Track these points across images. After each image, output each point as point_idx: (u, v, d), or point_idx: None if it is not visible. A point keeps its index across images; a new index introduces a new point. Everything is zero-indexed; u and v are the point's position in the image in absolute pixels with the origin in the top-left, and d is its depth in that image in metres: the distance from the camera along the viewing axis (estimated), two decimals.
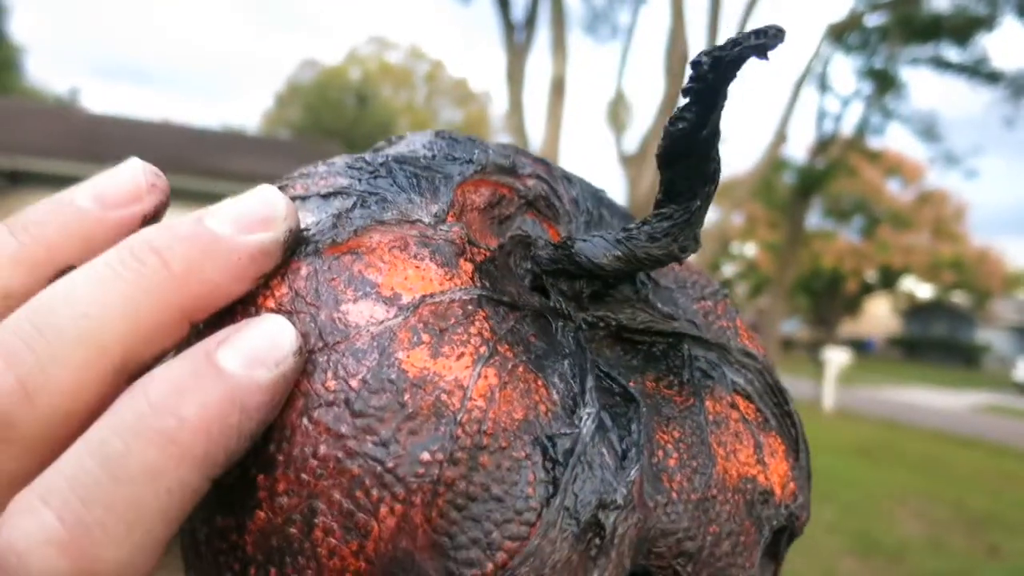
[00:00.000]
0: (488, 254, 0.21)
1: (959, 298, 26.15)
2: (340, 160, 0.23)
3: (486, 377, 0.17)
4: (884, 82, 10.59)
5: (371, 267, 0.19)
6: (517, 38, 7.68)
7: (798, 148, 24.18)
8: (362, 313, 0.18)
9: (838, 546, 4.40)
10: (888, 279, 25.47)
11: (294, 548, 0.17)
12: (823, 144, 10.85)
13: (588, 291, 0.21)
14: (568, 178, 0.25)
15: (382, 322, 0.18)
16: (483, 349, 0.18)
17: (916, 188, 24.20)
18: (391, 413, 0.17)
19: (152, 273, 0.17)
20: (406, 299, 0.18)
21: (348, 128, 20.23)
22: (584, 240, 0.21)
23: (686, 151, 0.19)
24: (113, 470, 0.15)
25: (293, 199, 0.21)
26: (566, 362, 0.19)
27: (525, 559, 0.16)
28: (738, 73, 0.18)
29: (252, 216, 0.19)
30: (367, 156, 0.23)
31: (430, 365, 0.17)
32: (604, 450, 0.18)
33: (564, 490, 0.17)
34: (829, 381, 11.05)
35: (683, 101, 0.19)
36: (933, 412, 12.02)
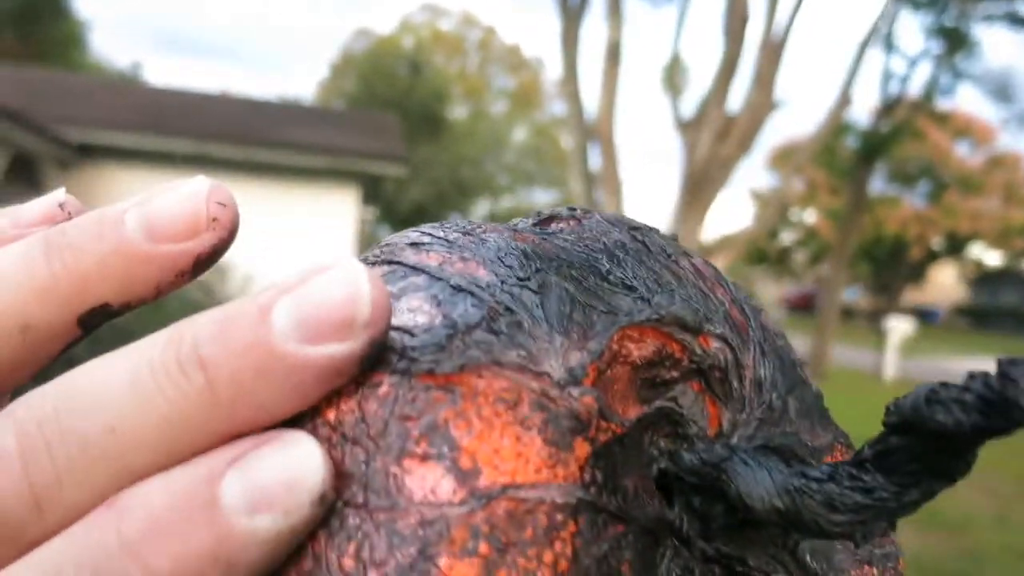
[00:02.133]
0: (618, 433, 0.16)
1: None
2: (496, 236, 0.18)
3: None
4: (954, 40, 10.15)
5: (462, 418, 0.15)
6: (572, 2, 7.57)
7: (862, 111, 23.43)
8: (424, 481, 0.14)
9: (900, 519, 4.34)
10: (955, 246, 24.62)
11: None
12: (888, 107, 10.48)
13: (724, 521, 0.17)
14: (764, 348, 0.20)
15: (441, 505, 0.14)
16: (543, 561, 0.14)
17: (986, 151, 23.24)
18: None
19: (197, 395, 0.14)
20: (484, 483, 0.14)
21: (402, 97, 20.26)
22: (746, 463, 0.16)
23: (940, 438, 0.15)
24: None
25: (412, 269, 0.17)
26: None
27: None
28: None
29: (327, 317, 0.14)
30: (530, 243, 0.18)
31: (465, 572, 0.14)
32: None
33: None
34: (891, 350, 10.80)
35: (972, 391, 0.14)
36: None
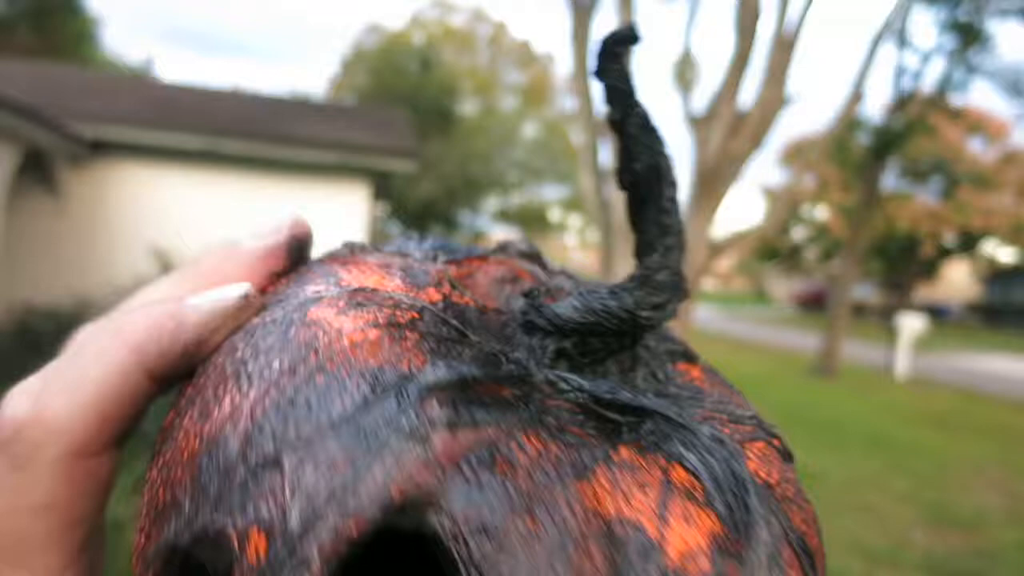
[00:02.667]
0: (471, 302, 0.22)
1: None
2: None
3: (367, 332, 0.19)
4: (968, 35, 10.06)
5: (347, 269, 0.22)
6: None
7: (875, 107, 23.26)
8: (310, 287, 0.22)
9: (911, 516, 4.32)
10: (967, 243, 24.45)
11: (172, 432, 0.20)
12: (901, 102, 10.40)
13: (552, 347, 0.21)
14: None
15: (318, 291, 0.21)
16: (384, 317, 0.20)
17: (1000, 147, 23.05)
18: (280, 327, 0.20)
19: (188, 275, 0.24)
20: (352, 286, 0.21)
21: (412, 92, 20.26)
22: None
23: (634, 186, 0.21)
24: (77, 350, 0.21)
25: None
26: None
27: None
28: (616, 66, 0.21)
29: (264, 228, 0.25)
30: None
31: (328, 316, 0.20)
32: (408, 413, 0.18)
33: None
34: (903, 348, 10.74)
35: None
36: (1014, 382, 11.58)
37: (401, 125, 8.10)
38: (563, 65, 30.58)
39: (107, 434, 0.21)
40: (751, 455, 0.21)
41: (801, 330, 18.45)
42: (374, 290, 0.21)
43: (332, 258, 0.24)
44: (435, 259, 0.24)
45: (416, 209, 22.16)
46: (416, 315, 0.20)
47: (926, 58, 10.24)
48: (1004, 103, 45.08)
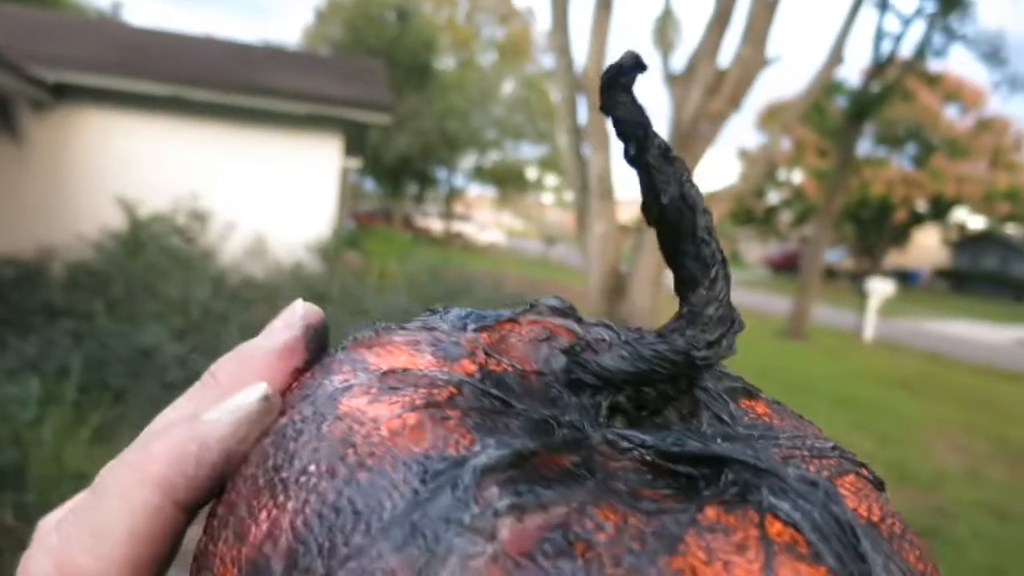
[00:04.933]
0: (510, 368, 0.21)
1: (1012, 230, 25.38)
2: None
3: (405, 418, 0.18)
4: (949, 0, 10.04)
5: (373, 352, 0.21)
6: None
7: (853, 71, 23.26)
8: (337, 377, 0.20)
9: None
10: (939, 209, 24.73)
11: (206, 560, 0.19)
12: (879, 66, 10.39)
13: (605, 403, 0.20)
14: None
15: (346, 380, 0.20)
16: (420, 398, 0.18)
17: (975, 114, 23.22)
18: (311, 425, 0.18)
19: (206, 388, 0.22)
20: (376, 368, 0.20)
21: (389, 45, 19.90)
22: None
23: (664, 220, 0.20)
24: (96, 492, 0.19)
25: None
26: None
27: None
28: (627, 100, 0.20)
29: (277, 324, 0.23)
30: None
31: (361, 405, 0.18)
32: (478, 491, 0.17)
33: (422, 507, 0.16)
34: (871, 312, 10.89)
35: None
36: (977, 345, 11.82)
37: (376, 77, 7.95)
38: (543, 20, 30.16)
39: None
40: (845, 492, 0.19)
41: (774, 293, 18.65)
42: (405, 370, 0.20)
43: (356, 343, 0.22)
44: (464, 328, 0.22)
45: (391, 165, 21.92)
46: (454, 390, 0.19)
47: (906, 22, 10.21)
48: (981, 71, 45.31)
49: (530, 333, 0.22)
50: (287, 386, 0.22)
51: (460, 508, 0.15)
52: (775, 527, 0.17)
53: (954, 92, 22.12)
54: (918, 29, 10.62)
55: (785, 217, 27.99)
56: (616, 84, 0.20)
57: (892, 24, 16.12)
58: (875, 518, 0.19)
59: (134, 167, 6.14)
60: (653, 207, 0.20)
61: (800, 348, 9.35)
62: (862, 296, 11.27)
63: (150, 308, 3.75)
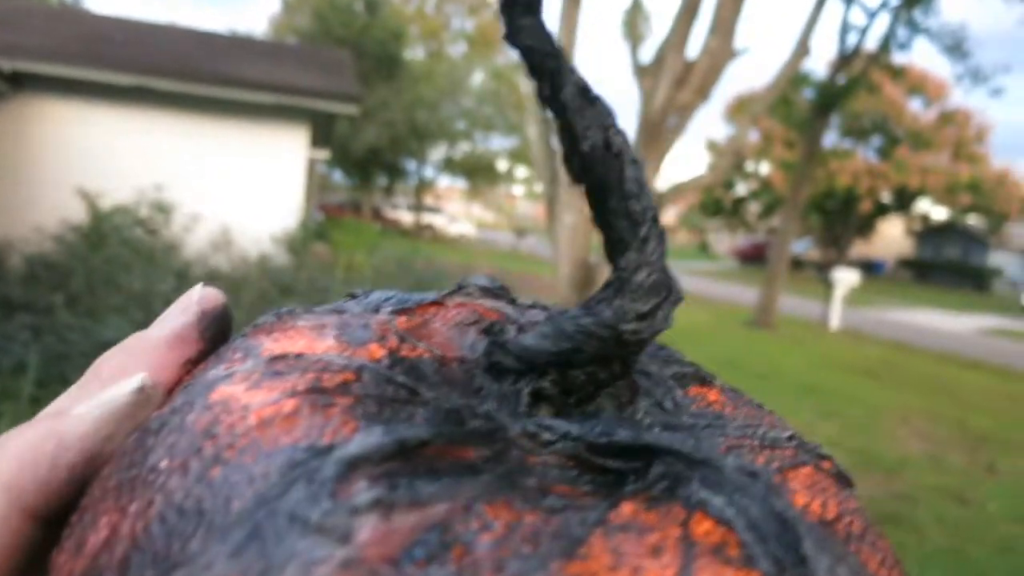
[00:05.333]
0: (427, 353, 0.18)
1: (974, 221, 25.87)
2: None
3: (281, 405, 0.15)
4: None
5: (272, 338, 0.18)
6: None
7: (819, 63, 23.51)
8: (223, 366, 0.18)
9: (839, 461, 4.46)
10: (903, 200, 25.13)
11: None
12: (845, 59, 10.51)
13: (528, 390, 0.17)
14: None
15: (232, 367, 0.17)
16: (305, 383, 0.16)
17: (938, 107, 23.61)
18: (177, 417, 0.16)
19: (86, 383, 0.19)
20: (268, 354, 0.17)
21: (357, 35, 19.71)
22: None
23: (587, 172, 0.17)
24: None
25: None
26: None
27: None
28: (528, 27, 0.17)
29: (170, 311, 0.20)
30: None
31: (237, 392, 0.16)
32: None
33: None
34: (837, 301, 11.05)
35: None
36: (940, 334, 12.04)
37: (344, 68, 7.87)
38: None
39: None
40: (796, 486, 0.17)
41: (742, 283, 18.83)
42: (299, 355, 0.17)
43: (256, 328, 0.19)
44: (378, 311, 0.19)
45: (360, 156, 21.75)
46: (351, 376, 0.16)
47: (872, 15, 10.33)
48: (944, 64, 46.04)
49: (456, 317, 0.20)
50: (177, 379, 0.19)
51: (310, 504, 0.13)
52: (703, 526, 0.14)
53: (918, 85, 22.47)
54: (883, 22, 10.78)
55: (753, 208, 28.26)
56: (517, 3, 0.17)
57: (858, 17, 16.32)
58: (830, 516, 0.17)
59: (96, 158, 6.02)
60: (574, 157, 0.17)
61: (767, 337, 9.45)
62: (828, 286, 11.42)
63: (112, 302, 3.68)
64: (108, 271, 4.05)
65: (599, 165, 0.17)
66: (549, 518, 0.14)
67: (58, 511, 0.17)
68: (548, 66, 0.17)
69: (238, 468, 0.14)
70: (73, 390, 0.19)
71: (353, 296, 0.21)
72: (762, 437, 0.19)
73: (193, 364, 0.20)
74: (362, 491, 0.13)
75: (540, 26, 0.17)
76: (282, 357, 0.17)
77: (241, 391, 0.16)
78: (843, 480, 0.20)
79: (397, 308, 0.20)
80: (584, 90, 0.18)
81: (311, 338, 0.18)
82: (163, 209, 5.76)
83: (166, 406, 0.17)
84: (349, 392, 0.16)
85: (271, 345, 0.18)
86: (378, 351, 0.18)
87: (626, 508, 0.14)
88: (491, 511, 0.13)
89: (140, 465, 0.15)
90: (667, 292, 0.17)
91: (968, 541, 3.46)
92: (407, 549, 0.12)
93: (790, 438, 0.19)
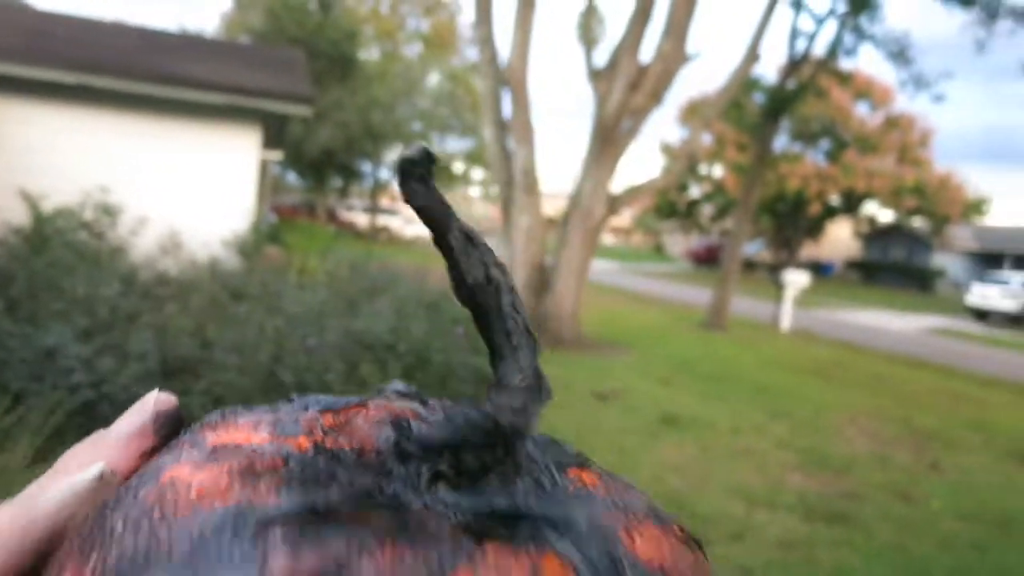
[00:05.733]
0: (347, 445, 0.21)
1: (918, 223, 26.58)
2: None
3: (219, 480, 0.19)
4: (859, 1, 10.43)
5: (216, 433, 0.21)
6: None
7: (770, 68, 23.93)
8: (173, 454, 0.21)
9: (788, 461, 4.54)
10: (851, 203, 25.72)
11: None
12: (794, 64, 10.73)
13: (427, 472, 0.20)
14: None
15: (179, 455, 0.20)
16: (240, 465, 0.19)
17: (884, 112, 24.22)
18: (131, 493, 0.19)
19: (55, 473, 0.22)
20: (211, 445, 0.20)
21: (310, 35, 19.49)
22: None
23: (472, 300, 0.22)
24: None
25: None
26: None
27: None
28: (418, 183, 0.21)
29: (130, 411, 0.23)
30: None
31: (183, 473, 0.19)
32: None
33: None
34: (787, 302, 11.25)
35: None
36: (886, 334, 12.34)
37: (297, 68, 7.77)
38: (468, 13, 30.02)
39: None
40: (641, 542, 0.20)
41: (695, 285, 19.06)
42: (238, 445, 0.20)
43: (202, 426, 0.22)
44: (306, 409, 0.22)
45: (314, 157, 21.50)
46: (280, 461, 0.20)
47: (820, 22, 10.56)
48: (889, 70, 47.23)
49: (375, 416, 0.22)
50: (134, 468, 0.22)
51: (236, 544, 0.16)
52: (552, 564, 0.18)
53: (864, 90, 23.03)
54: (830, 29, 11.02)
55: (707, 211, 28.65)
56: (410, 175, 0.21)
57: (806, 24, 16.62)
58: (666, 564, 0.20)
59: (38, 158, 5.85)
60: (462, 289, 0.22)
61: (720, 339, 9.58)
62: (779, 287, 11.63)
63: (54, 307, 3.57)
64: (50, 275, 3.93)
65: (480, 294, 0.22)
66: (424, 553, 0.17)
67: (28, 565, 0.20)
68: (438, 218, 0.21)
69: (180, 525, 0.17)
70: (43, 479, 0.21)
71: (290, 400, 0.24)
72: (623, 506, 0.21)
73: (148, 456, 0.22)
74: (277, 535, 0.17)
75: (431, 189, 0.22)
76: (223, 447, 0.20)
77: (187, 472, 0.19)
78: (689, 543, 0.22)
79: (324, 408, 0.22)
80: (468, 235, 0.22)
81: (249, 432, 0.21)
82: (109, 211, 5.62)
83: (123, 487, 0.20)
84: (277, 474, 0.19)
85: (214, 438, 0.21)
86: (305, 443, 0.20)
87: (491, 549, 0.18)
88: (380, 549, 0.17)
89: (100, 529, 0.18)
90: (538, 392, 0.21)
91: (912, 538, 3.54)
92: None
93: (650, 509, 0.22)
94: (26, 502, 0.20)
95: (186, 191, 6.32)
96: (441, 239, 0.22)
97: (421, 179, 0.21)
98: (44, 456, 2.51)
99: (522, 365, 0.21)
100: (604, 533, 0.19)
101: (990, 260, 25.56)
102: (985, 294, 17.93)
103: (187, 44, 8.21)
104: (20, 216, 5.24)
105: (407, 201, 0.22)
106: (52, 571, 0.19)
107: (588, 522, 0.20)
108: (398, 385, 0.25)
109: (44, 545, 0.20)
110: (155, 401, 0.24)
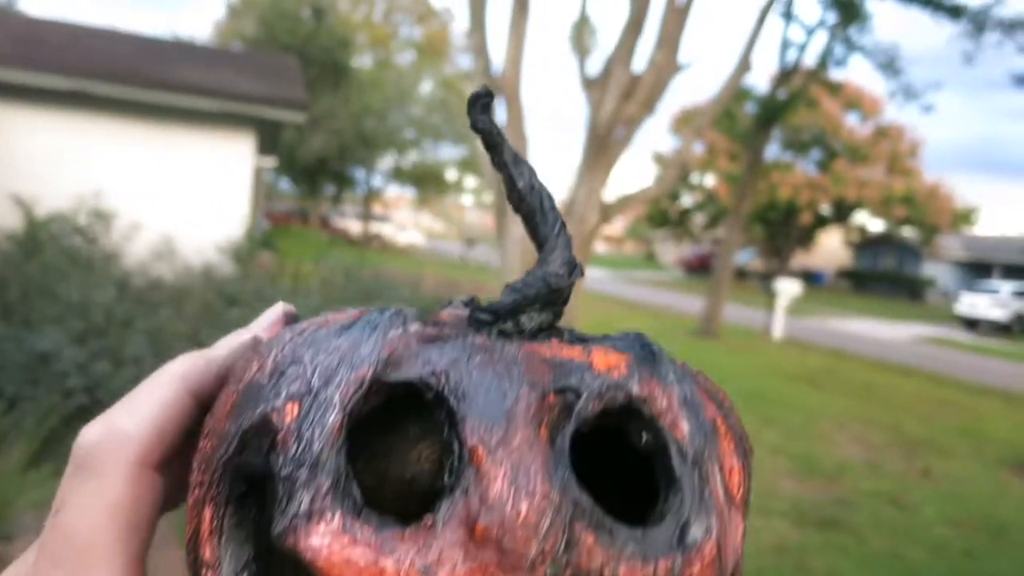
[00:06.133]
0: (441, 319, 0.28)
1: (908, 233, 26.74)
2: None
3: (352, 314, 0.26)
4: (849, 12, 10.52)
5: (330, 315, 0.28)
6: None
7: (761, 78, 24.09)
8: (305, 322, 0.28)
9: (780, 467, 4.56)
10: (841, 212, 25.86)
11: (204, 425, 0.26)
12: (785, 74, 10.80)
13: (496, 332, 0.26)
14: None
15: (313, 321, 0.27)
16: (372, 312, 0.26)
17: (874, 122, 24.38)
18: (287, 331, 0.26)
19: (227, 339, 0.31)
20: (328, 317, 0.27)
21: (303, 43, 19.51)
22: None
23: (523, 202, 0.29)
24: (136, 388, 0.27)
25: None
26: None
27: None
28: (485, 125, 0.29)
29: (267, 312, 0.32)
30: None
31: (318, 320, 0.27)
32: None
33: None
34: (779, 311, 11.30)
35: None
36: (876, 342, 12.40)
37: (290, 74, 7.78)
38: (461, 21, 30.10)
39: (164, 445, 0.26)
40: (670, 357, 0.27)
41: (687, 293, 19.11)
42: (353, 317, 0.27)
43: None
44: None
45: (307, 164, 21.48)
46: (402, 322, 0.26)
47: (810, 32, 10.64)
48: (879, 80, 47.56)
49: (453, 312, 0.29)
50: None
51: (388, 314, 0.25)
52: (602, 347, 0.26)
53: (854, 100, 23.17)
54: (821, 40, 11.11)
55: (699, 219, 28.74)
56: (477, 104, 0.28)
57: (797, 34, 16.75)
58: (690, 368, 0.27)
59: (32, 164, 5.84)
60: (514, 194, 0.29)
61: (713, 346, 9.61)
62: (770, 296, 11.68)
63: (48, 312, 3.56)
64: (44, 280, 3.92)
65: (529, 197, 0.29)
66: (497, 342, 0.25)
67: (206, 397, 0.27)
68: (495, 141, 0.28)
69: (325, 333, 0.25)
70: (219, 343, 0.29)
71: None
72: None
73: None
74: (413, 316, 0.25)
75: (490, 118, 0.29)
76: (338, 317, 0.27)
77: (321, 320, 0.26)
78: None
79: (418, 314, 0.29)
80: (516, 155, 0.29)
81: (355, 312, 0.28)
82: (102, 217, 5.61)
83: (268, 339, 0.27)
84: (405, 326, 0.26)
85: (335, 316, 0.27)
86: (415, 327, 0.26)
87: (554, 341, 0.26)
88: (475, 336, 0.25)
89: (270, 343, 0.26)
90: (574, 264, 0.28)
91: (905, 544, 3.56)
92: (432, 337, 0.24)
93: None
94: (206, 352, 0.28)
95: (180, 197, 6.31)
96: (498, 157, 0.29)
97: (484, 108, 0.28)
98: (39, 460, 2.50)
99: (562, 245, 0.28)
100: (636, 336, 0.27)
101: (979, 269, 25.74)
102: (974, 303, 18.05)
103: (181, 50, 8.21)
104: (14, 221, 5.22)
105: (473, 126, 0.28)
106: (231, 377, 0.26)
107: (625, 335, 0.27)
108: (461, 298, 0.31)
109: (220, 374, 0.27)
110: (282, 306, 0.31)
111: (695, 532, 0.23)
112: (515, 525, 0.20)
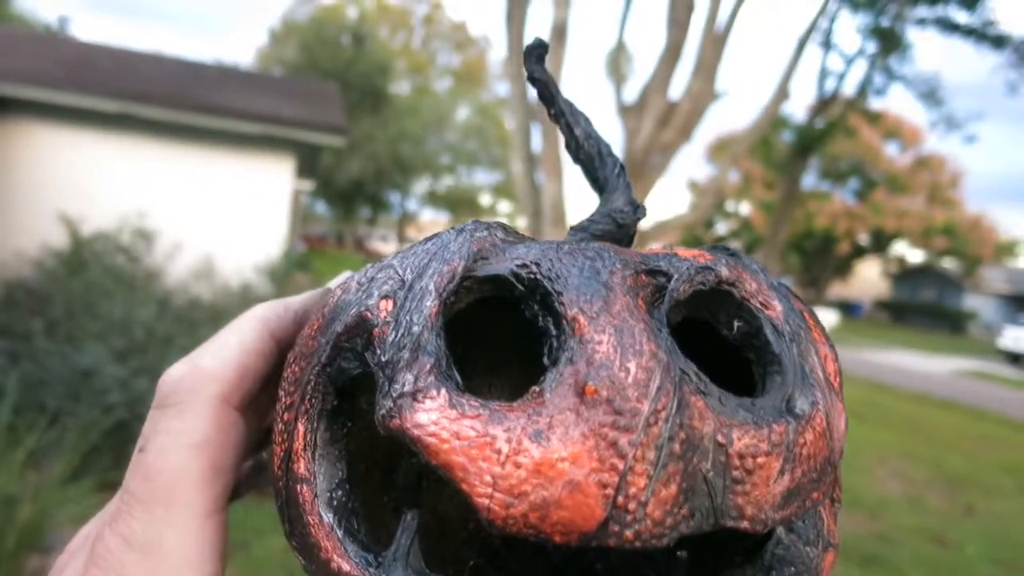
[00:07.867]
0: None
1: (949, 264, 26.25)
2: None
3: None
4: (889, 41, 10.43)
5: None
6: None
7: (799, 107, 23.94)
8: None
9: None
10: (880, 242, 25.48)
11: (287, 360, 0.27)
12: (824, 103, 10.72)
13: None
14: None
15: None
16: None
17: (914, 152, 24.08)
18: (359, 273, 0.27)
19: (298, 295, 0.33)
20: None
21: (343, 68, 19.85)
22: None
23: (582, 150, 0.30)
24: (219, 332, 0.28)
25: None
26: None
27: None
28: (541, 75, 0.30)
29: (316, 291, 0.32)
30: None
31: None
32: None
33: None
34: None
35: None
36: (916, 375, 12.14)
37: (330, 99, 7.91)
38: (499, 48, 30.42)
39: (246, 385, 0.27)
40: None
41: None
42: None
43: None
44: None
45: (344, 188, 21.76)
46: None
47: (849, 61, 10.57)
48: (919, 110, 47.01)
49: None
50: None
51: (469, 223, 0.26)
52: (683, 248, 0.27)
53: (894, 130, 22.93)
54: (860, 69, 11.03)
55: (734, 247, 28.51)
56: (532, 55, 0.29)
57: (836, 63, 16.65)
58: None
59: (78, 184, 5.98)
60: (572, 142, 0.30)
61: None
62: None
63: (91, 329, 3.63)
64: (88, 298, 4.00)
65: (587, 144, 0.30)
66: (580, 243, 0.25)
67: (286, 339, 0.28)
68: (551, 91, 0.29)
69: (402, 256, 0.26)
70: (295, 296, 0.31)
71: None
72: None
73: None
74: (489, 225, 0.27)
75: (544, 69, 0.29)
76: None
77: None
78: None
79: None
80: (571, 104, 0.30)
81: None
82: (145, 236, 5.72)
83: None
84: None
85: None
86: (500, 231, 0.28)
87: (630, 255, 0.26)
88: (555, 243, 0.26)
89: (334, 292, 0.26)
90: (636, 206, 0.29)
91: None
92: (505, 243, 0.25)
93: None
94: (284, 300, 0.30)
95: (221, 218, 6.42)
96: (553, 106, 0.30)
97: (539, 59, 0.29)
98: (79, 475, 2.54)
99: (624, 190, 0.29)
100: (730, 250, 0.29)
101: (1023, 303, 25.13)
102: (1018, 337, 17.61)
103: (224, 75, 8.40)
104: (59, 239, 5.35)
105: (529, 76, 0.29)
106: (302, 332, 0.26)
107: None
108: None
109: (297, 318, 0.29)
110: (349, 272, 0.32)
111: (802, 404, 0.22)
112: (625, 384, 0.20)
